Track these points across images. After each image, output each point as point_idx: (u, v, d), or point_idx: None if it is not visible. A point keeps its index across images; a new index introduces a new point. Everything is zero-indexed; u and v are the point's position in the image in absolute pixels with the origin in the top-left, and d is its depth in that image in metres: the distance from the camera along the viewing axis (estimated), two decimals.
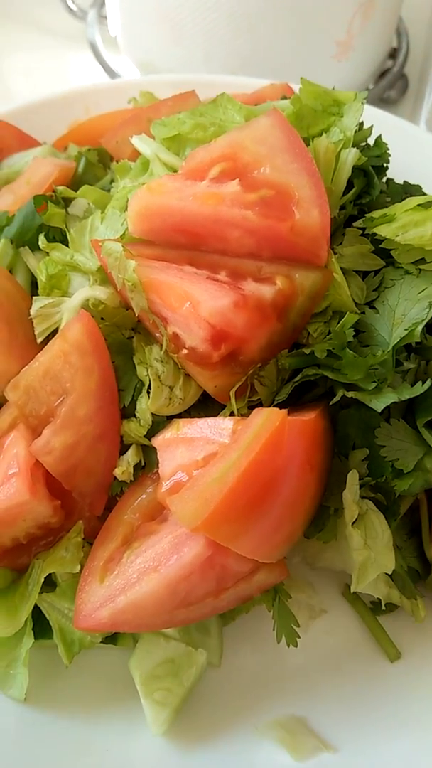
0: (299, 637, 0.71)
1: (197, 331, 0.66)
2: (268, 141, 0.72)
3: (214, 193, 0.69)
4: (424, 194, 0.96)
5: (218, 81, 1.24)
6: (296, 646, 0.70)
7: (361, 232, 0.79)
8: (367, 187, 0.85)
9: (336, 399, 0.69)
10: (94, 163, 0.95)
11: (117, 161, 0.93)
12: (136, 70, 1.61)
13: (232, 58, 1.48)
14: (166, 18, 1.42)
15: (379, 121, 1.09)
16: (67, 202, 0.85)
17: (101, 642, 0.71)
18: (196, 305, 0.64)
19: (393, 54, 1.75)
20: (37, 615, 0.71)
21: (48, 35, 1.85)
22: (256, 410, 0.62)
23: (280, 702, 0.73)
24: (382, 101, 1.71)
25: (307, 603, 0.79)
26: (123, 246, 0.68)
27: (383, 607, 0.78)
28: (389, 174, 0.97)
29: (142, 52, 1.56)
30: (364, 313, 0.75)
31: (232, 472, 0.58)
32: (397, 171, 1.01)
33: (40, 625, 0.71)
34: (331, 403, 0.70)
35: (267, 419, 0.60)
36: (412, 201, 0.77)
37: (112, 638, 0.73)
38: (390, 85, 1.71)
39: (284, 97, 1.02)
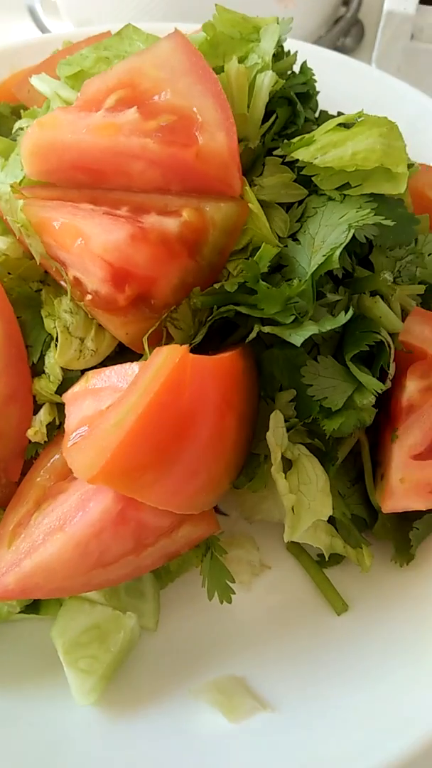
0: (233, 592, 0.67)
1: (94, 271, 0.61)
2: (168, 64, 0.67)
3: (110, 123, 0.64)
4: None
5: (150, 28, 1.18)
6: (230, 602, 0.66)
7: (282, 160, 0.73)
8: (292, 116, 0.80)
9: (252, 336, 0.64)
10: (7, 116, 0.90)
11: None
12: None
13: (172, 10, 1.42)
14: None
15: (318, 58, 1.03)
16: None
17: (21, 612, 0.67)
18: (87, 241, 0.59)
19: (346, 1, 1.68)
20: None
21: None
22: (156, 349, 0.57)
23: (219, 662, 0.69)
24: (337, 49, 1.62)
25: (247, 558, 0.75)
26: (12, 186, 0.63)
27: (327, 559, 0.73)
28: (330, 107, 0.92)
29: (81, 11, 1.50)
30: (287, 246, 0.69)
31: (130, 416, 0.53)
32: (338, 107, 0.95)
33: None
34: (247, 341, 0.65)
35: (167, 357, 0.55)
36: (333, 121, 0.72)
37: (34, 607, 0.68)
38: (344, 32, 1.64)
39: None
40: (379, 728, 0.62)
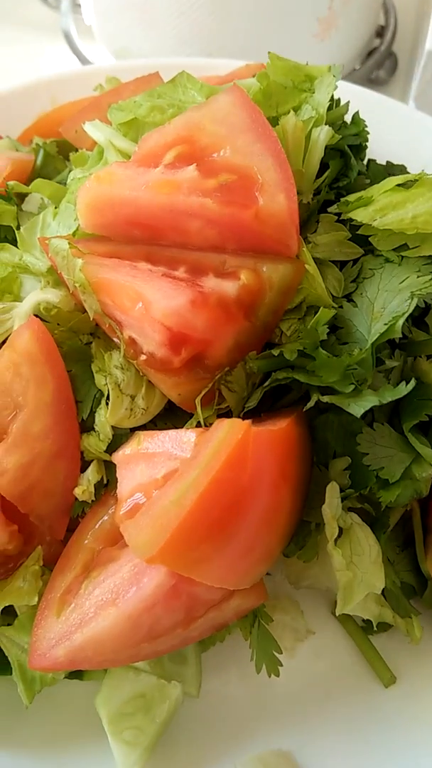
0: (281, 664, 0.65)
1: (152, 335, 0.59)
2: (227, 120, 0.66)
3: (168, 181, 0.63)
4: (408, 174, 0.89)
5: (189, 63, 1.17)
6: (278, 675, 0.64)
7: (336, 218, 0.72)
8: (344, 168, 0.78)
9: (310, 405, 0.62)
10: (54, 155, 0.89)
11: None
12: (111, 58, 1.55)
13: (208, 41, 1.42)
14: (139, 2, 1.36)
15: (361, 99, 1.02)
16: (21, 198, 0.78)
17: (65, 677, 0.65)
18: (148, 306, 0.58)
19: (380, 32, 1.67)
20: None
21: (22, 26, 1.81)
22: (217, 422, 0.55)
23: (264, 734, 0.67)
24: (371, 82, 1.63)
25: (292, 625, 0.73)
26: (70, 243, 0.62)
27: (375, 628, 0.71)
28: (372, 155, 0.91)
29: (116, 39, 1.50)
30: (341, 307, 0.68)
31: (190, 493, 0.52)
32: (381, 151, 0.94)
33: None
34: (305, 409, 0.63)
35: (228, 432, 0.53)
36: (391, 181, 0.70)
37: (76, 673, 0.67)
38: (378, 65, 1.64)
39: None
40: None
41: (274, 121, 0.75)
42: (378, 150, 0.94)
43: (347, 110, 0.83)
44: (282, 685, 0.70)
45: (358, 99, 0.91)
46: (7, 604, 0.64)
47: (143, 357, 0.63)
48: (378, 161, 0.90)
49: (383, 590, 0.70)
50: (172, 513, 0.52)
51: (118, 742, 0.63)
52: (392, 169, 0.88)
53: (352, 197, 0.71)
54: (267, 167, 0.64)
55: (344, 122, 0.83)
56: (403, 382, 0.62)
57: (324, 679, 0.71)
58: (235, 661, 0.72)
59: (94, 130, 0.73)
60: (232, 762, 0.65)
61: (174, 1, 1.35)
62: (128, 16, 1.41)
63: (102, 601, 0.57)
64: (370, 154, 0.91)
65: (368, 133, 0.82)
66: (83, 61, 1.59)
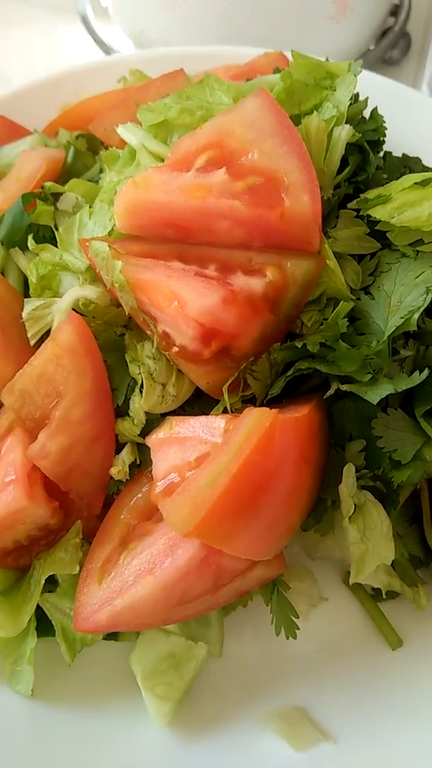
0: (298, 628, 0.71)
1: (186, 331, 0.64)
2: (256, 124, 0.69)
3: (200, 185, 0.67)
4: (424, 167, 0.93)
5: (210, 52, 1.20)
6: (295, 638, 0.70)
7: (355, 213, 0.76)
8: (362, 163, 0.82)
9: (330, 392, 0.68)
10: (83, 152, 0.93)
11: (107, 147, 0.91)
12: (128, 40, 1.56)
13: (226, 24, 1.42)
14: None
15: (377, 87, 1.05)
16: (56, 196, 0.83)
17: (103, 639, 0.72)
18: (183, 305, 0.63)
19: (394, 11, 1.67)
20: (40, 613, 0.72)
21: (37, 7, 1.80)
22: (246, 410, 0.61)
23: (281, 691, 0.74)
24: (384, 62, 1.64)
25: (307, 592, 0.79)
26: (110, 246, 0.66)
27: (384, 595, 0.77)
28: (388, 141, 0.93)
29: (133, 22, 1.51)
30: (359, 299, 0.73)
31: (223, 476, 0.57)
32: (396, 138, 0.97)
33: (43, 623, 0.72)
34: (325, 396, 0.68)
35: (258, 420, 0.59)
36: (409, 179, 0.74)
37: (113, 635, 0.73)
38: (392, 45, 1.64)
39: (277, 70, 0.98)
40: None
41: (297, 119, 0.79)
42: (392, 136, 0.96)
43: (366, 106, 0.86)
44: (297, 647, 0.77)
45: (372, 86, 0.94)
46: (50, 573, 0.71)
47: (175, 349, 0.68)
48: (393, 152, 0.93)
49: (393, 561, 0.76)
50: (206, 494, 0.57)
51: (151, 696, 0.70)
52: (408, 162, 0.92)
53: (370, 194, 0.75)
54: (292, 169, 0.68)
55: (363, 117, 0.86)
56: (417, 372, 0.67)
57: (336, 641, 0.78)
58: (253, 625, 0.79)
59: (127, 133, 0.77)
60: (252, 715, 0.72)
61: None
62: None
63: (140, 570, 0.63)
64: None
65: (386, 128, 0.85)
66: (99, 43, 1.60)
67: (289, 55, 1.04)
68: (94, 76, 1.14)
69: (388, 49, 1.64)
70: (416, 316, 0.66)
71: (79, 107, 1.05)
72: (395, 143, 0.95)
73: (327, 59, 0.86)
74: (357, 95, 0.88)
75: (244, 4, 1.36)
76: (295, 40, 1.40)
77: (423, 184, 0.73)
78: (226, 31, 1.42)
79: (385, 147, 0.92)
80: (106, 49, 1.59)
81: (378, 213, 0.72)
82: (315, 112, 0.77)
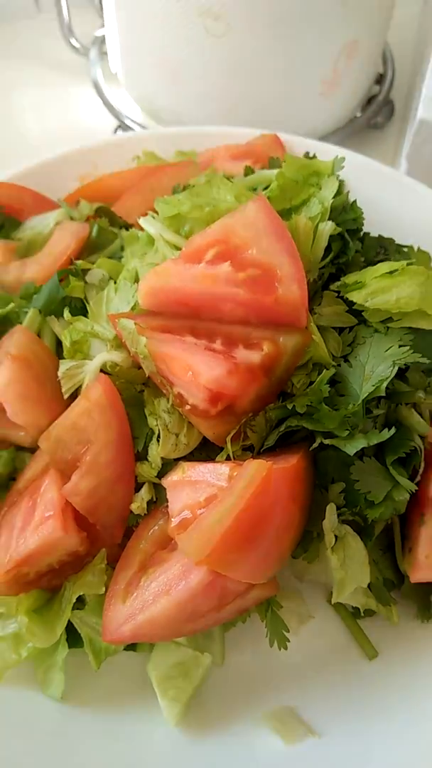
0: (289, 641, 0.84)
1: (198, 394, 0.79)
2: (254, 225, 0.85)
3: (209, 275, 0.82)
4: (398, 246, 1.08)
5: (214, 132, 1.36)
6: (286, 649, 0.84)
7: (337, 294, 0.92)
8: (344, 247, 0.98)
9: (315, 445, 0.82)
10: (106, 228, 1.08)
11: (127, 224, 1.06)
12: (135, 104, 1.72)
13: (226, 96, 1.58)
14: (163, 59, 1.53)
15: (356, 165, 1.20)
16: (84, 271, 0.98)
17: (124, 649, 0.86)
18: (197, 375, 0.78)
19: (379, 80, 1.84)
20: (70, 627, 0.86)
21: (53, 71, 1.97)
22: (247, 461, 0.75)
23: (274, 695, 0.87)
24: (370, 126, 1.81)
25: (296, 610, 0.93)
26: (135, 323, 0.81)
27: (362, 613, 0.92)
28: (365, 215, 1.08)
29: (141, 89, 1.67)
30: (339, 365, 0.88)
31: (228, 515, 0.71)
32: (370, 214, 1.11)
33: (72, 636, 0.86)
34: (311, 449, 0.83)
35: (257, 470, 0.73)
36: (381, 268, 0.90)
37: (132, 646, 0.87)
38: (377, 112, 1.81)
39: (272, 159, 1.14)
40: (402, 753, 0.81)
41: (288, 213, 0.95)
42: (368, 213, 1.11)
43: (347, 198, 1.02)
44: (288, 657, 0.89)
45: (351, 165, 1.08)
46: (80, 593, 0.84)
47: (188, 407, 0.83)
48: (370, 222, 1.07)
49: (369, 584, 0.90)
50: (215, 529, 0.71)
51: (165, 698, 0.83)
52: (383, 242, 1.07)
53: (349, 278, 0.91)
54: (284, 263, 0.83)
55: (344, 207, 1.02)
56: (385, 429, 0.82)
57: (321, 653, 0.91)
58: (250, 639, 0.92)
59: (148, 225, 0.93)
60: (250, 714, 0.85)
61: (196, 62, 1.51)
62: (153, 71, 1.57)
63: (158, 591, 0.77)
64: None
65: (364, 218, 1.01)
66: (109, 107, 1.76)
67: (281, 135, 1.21)
68: (109, 153, 1.30)
69: (373, 116, 1.81)
70: (384, 384, 0.81)
71: (99, 183, 1.20)
72: (371, 215, 1.11)
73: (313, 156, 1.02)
74: (341, 185, 1.04)
75: (240, 80, 1.51)
76: (290, 114, 1.58)
77: (392, 273, 0.88)
78: (225, 104, 1.57)
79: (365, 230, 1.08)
80: (115, 113, 1.75)
81: (354, 297, 0.88)
82: (304, 208, 0.92)
